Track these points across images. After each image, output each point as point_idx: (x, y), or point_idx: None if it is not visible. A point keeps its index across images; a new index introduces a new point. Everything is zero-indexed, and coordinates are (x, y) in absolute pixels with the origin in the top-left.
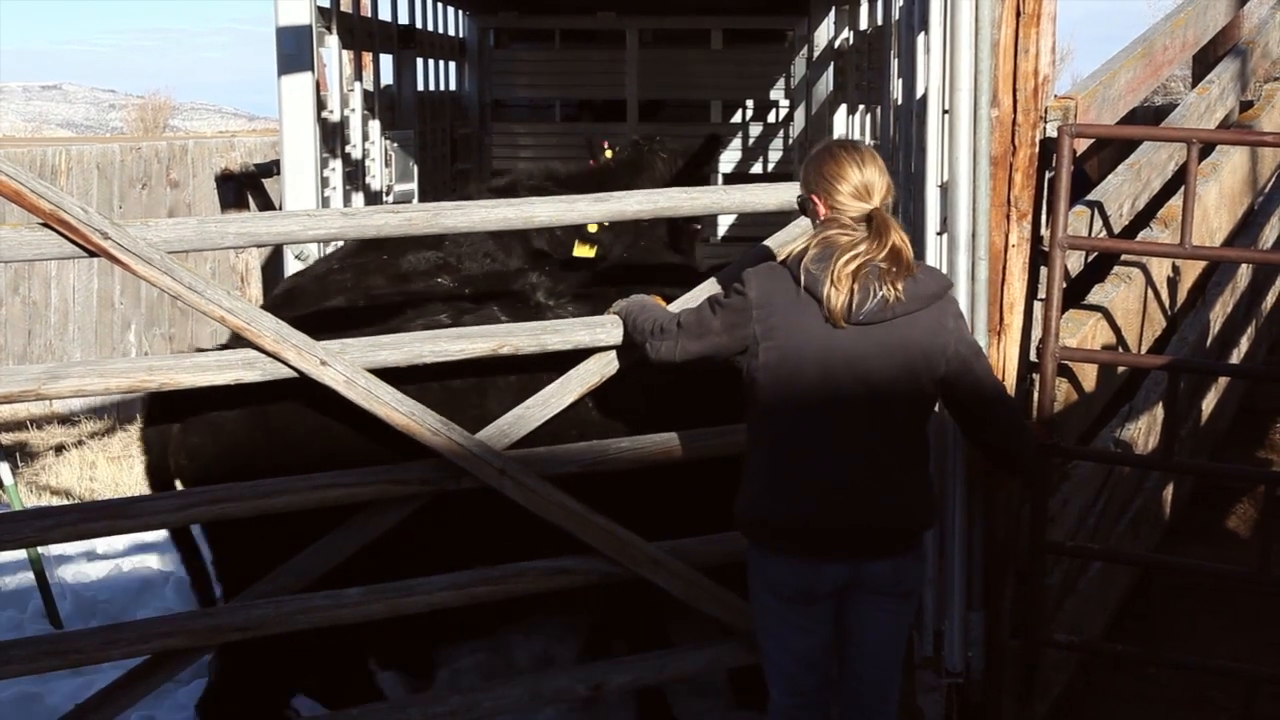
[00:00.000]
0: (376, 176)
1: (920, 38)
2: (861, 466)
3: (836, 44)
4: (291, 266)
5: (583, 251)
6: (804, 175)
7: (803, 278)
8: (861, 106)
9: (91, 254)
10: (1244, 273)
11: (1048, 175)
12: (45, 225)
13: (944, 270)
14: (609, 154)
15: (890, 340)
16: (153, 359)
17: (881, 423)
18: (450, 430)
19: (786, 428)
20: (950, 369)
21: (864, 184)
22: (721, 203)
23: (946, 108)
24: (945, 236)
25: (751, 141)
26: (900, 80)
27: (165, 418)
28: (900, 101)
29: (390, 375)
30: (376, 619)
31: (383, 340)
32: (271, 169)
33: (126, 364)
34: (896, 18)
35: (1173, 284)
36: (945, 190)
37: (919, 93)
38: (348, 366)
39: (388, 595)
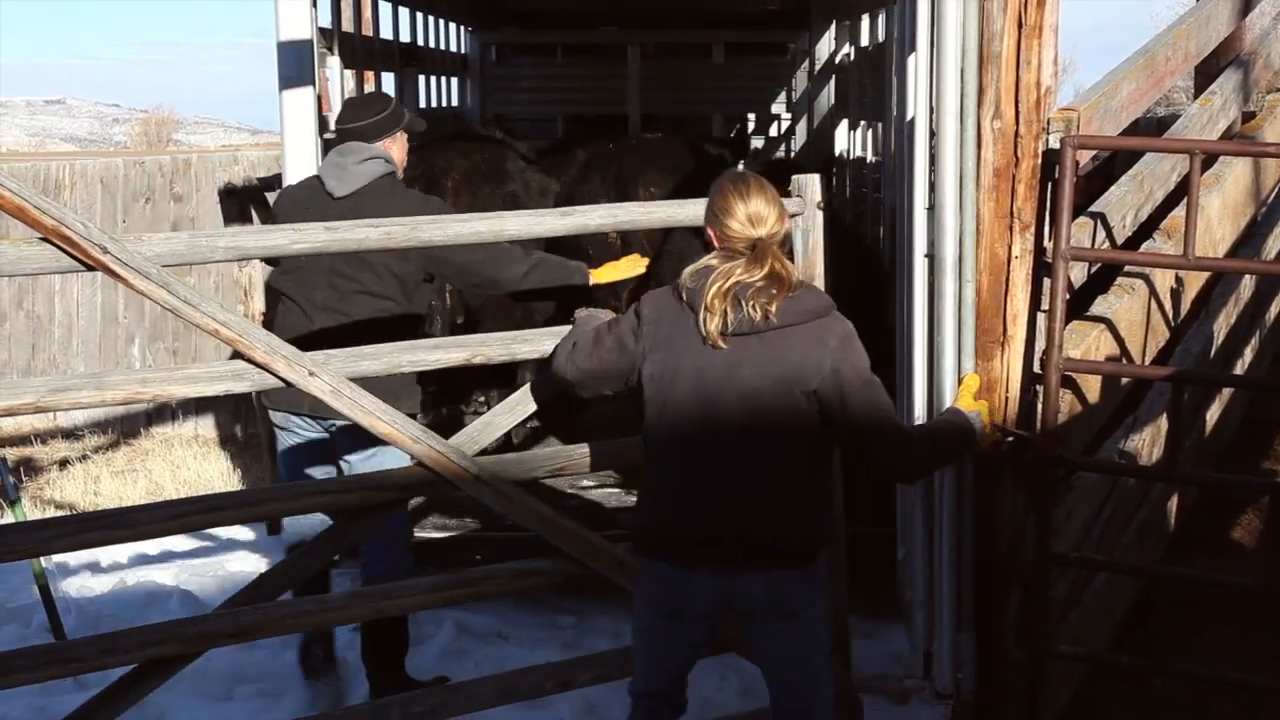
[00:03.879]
0: None
1: (910, 59)
2: (733, 477)
3: (837, 58)
4: None
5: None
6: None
7: (683, 294)
8: (863, 122)
9: (90, 268)
10: (1247, 283)
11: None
12: (45, 240)
13: (930, 294)
14: None
15: (764, 353)
16: (146, 372)
17: (757, 435)
18: (430, 439)
19: (667, 438)
20: (823, 386)
21: (749, 214)
22: (676, 216)
23: (934, 129)
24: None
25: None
26: (896, 100)
27: None
28: (896, 122)
29: None
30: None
31: (364, 351)
32: (274, 183)
33: (122, 376)
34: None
35: (1176, 295)
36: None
37: (909, 115)
38: (333, 377)
39: (370, 599)
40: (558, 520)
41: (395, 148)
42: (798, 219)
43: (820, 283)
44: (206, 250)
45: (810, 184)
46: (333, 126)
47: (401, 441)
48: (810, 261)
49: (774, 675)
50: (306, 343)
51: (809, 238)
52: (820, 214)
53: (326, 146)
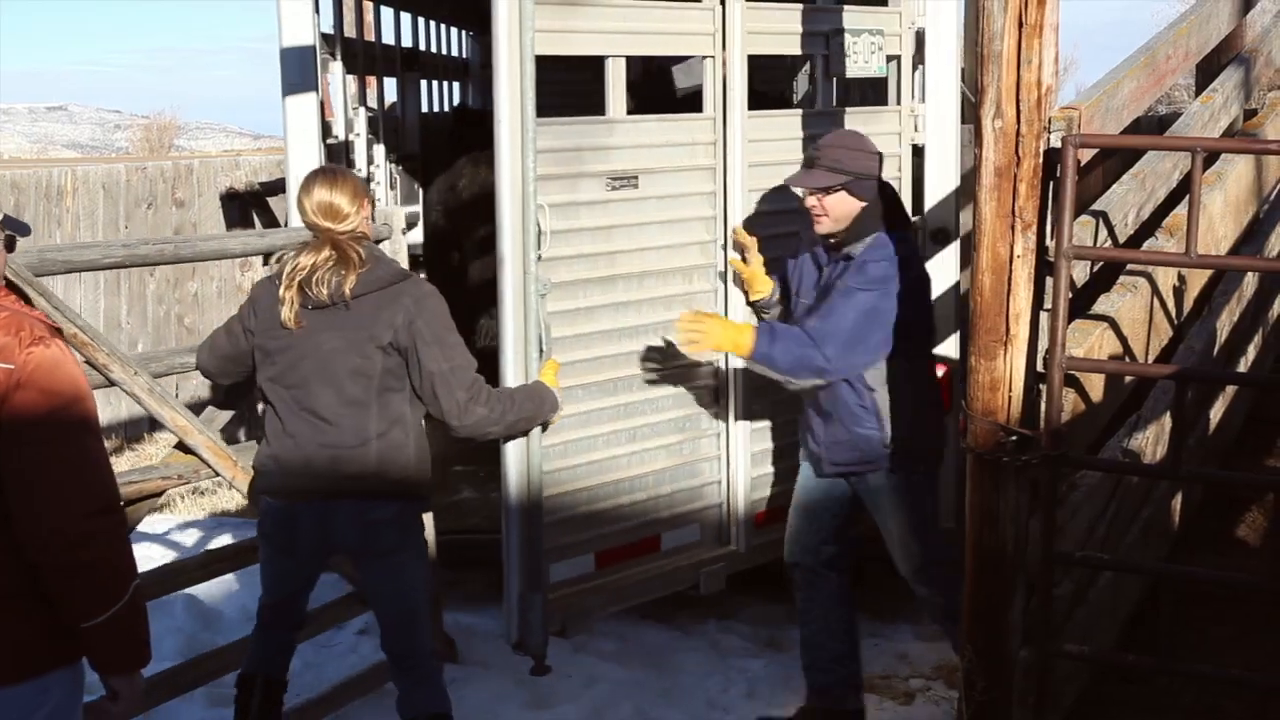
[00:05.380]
0: (382, 199)
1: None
2: (316, 424)
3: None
4: None
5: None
6: None
7: (276, 281)
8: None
9: None
10: (1250, 281)
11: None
12: None
13: (504, 295)
14: None
15: (343, 319)
16: None
17: (341, 387)
18: (210, 433)
19: (273, 398)
20: (397, 339)
21: (313, 206)
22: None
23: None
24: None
25: None
26: None
27: None
28: None
29: None
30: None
31: (150, 354)
32: (276, 188)
33: None
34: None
35: (1179, 293)
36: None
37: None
38: (148, 378)
39: (158, 577)
40: None
41: None
42: (385, 243)
43: None
44: (38, 264)
45: (395, 214)
46: None
47: (190, 434)
48: None
49: (379, 614)
50: None
51: (397, 259)
52: (405, 239)
53: (329, 151)
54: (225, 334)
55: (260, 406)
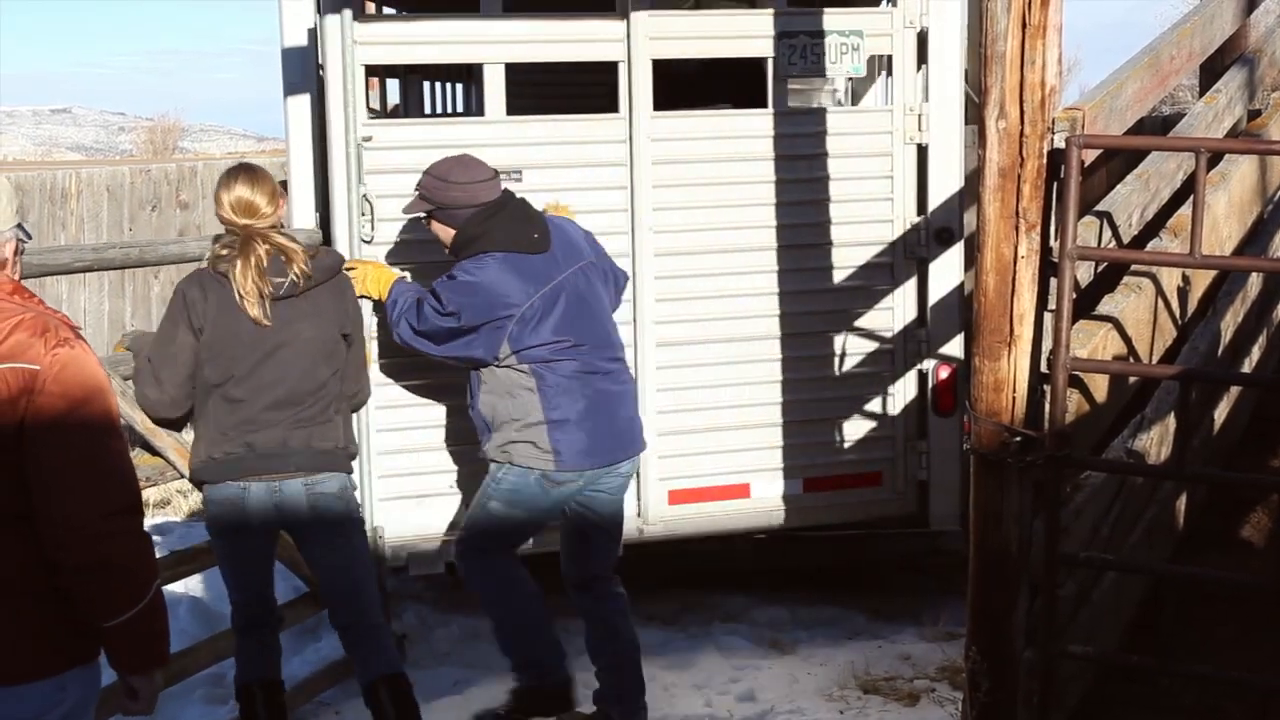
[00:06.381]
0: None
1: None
2: (290, 407)
3: None
4: None
5: None
6: None
7: (223, 280)
8: None
9: None
10: (1255, 281)
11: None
12: None
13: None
14: None
15: (311, 307)
16: None
17: (312, 372)
18: (174, 435)
19: (235, 391)
20: (348, 326)
21: (236, 199)
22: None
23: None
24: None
25: None
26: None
27: None
28: None
29: None
30: None
31: (120, 357)
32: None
33: None
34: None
35: (1183, 293)
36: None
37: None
38: (120, 380)
39: None
40: None
41: None
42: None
43: None
44: (26, 266)
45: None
46: None
47: (159, 436)
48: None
49: (327, 587)
50: None
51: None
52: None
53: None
54: (178, 351)
55: (218, 402)
